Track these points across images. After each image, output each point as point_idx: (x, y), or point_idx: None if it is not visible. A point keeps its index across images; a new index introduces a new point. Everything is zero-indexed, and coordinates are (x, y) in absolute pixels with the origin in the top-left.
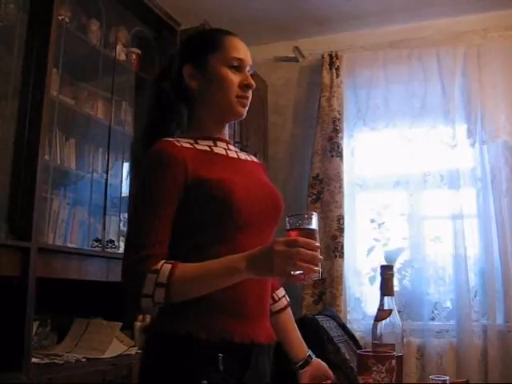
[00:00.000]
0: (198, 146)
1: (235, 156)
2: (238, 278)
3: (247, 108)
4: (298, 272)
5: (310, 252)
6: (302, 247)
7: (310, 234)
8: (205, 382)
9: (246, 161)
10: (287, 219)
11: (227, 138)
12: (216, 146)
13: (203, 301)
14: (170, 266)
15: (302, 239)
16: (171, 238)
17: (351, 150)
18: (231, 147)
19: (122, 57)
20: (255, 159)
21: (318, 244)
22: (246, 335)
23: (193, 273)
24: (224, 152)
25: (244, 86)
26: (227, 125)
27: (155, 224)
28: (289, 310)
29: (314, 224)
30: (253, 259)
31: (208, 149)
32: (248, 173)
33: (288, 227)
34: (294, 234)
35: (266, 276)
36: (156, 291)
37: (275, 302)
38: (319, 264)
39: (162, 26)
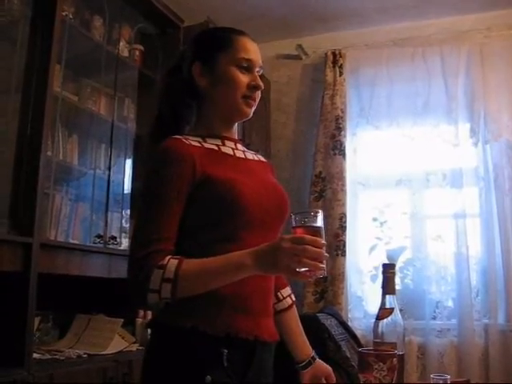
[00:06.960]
0: (206, 145)
1: (242, 156)
2: (243, 273)
3: (254, 108)
4: (303, 269)
5: (316, 249)
6: (309, 245)
7: (316, 231)
8: (209, 377)
9: (254, 160)
10: (293, 216)
11: (236, 137)
12: (224, 145)
13: (209, 296)
14: (177, 261)
15: (308, 237)
16: (178, 235)
17: (354, 148)
18: (239, 146)
19: (125, 53)
20: (263, 158)
21: (323, 242)
22: (251, 331)
23: (199, 268)
24: (231, 152)
25: (252, 87)
26: (236, 124)
27: (162, 220)
28: (294, 309)
29: (320, 222)
30: (259, 255)
31: (216, 148)
32: (254, 173)
33: (294, 224)
34: (299, 232)
35: (272, 273)
36: (163, 286)
37: (279, 301)
38: (324, 261)
39: (166, 23)
